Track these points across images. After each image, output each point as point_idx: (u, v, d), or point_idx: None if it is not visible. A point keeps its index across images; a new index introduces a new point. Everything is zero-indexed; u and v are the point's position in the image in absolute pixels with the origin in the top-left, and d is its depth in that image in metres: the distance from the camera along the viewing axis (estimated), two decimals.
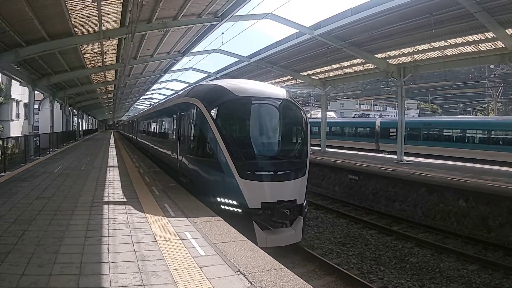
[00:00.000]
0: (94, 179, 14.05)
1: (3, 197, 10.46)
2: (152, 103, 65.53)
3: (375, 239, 13.93)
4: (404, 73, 23.11)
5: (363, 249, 12.95)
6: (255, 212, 10.12)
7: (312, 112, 66.19)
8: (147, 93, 61.11)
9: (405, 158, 24.06)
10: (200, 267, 5.69)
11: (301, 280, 5.40)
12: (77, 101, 45.20)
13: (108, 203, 10.05)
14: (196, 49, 27.43)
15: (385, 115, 68.24)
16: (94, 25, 17.56)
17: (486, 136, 29.57)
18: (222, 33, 22.44)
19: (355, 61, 24.59)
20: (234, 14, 18.55)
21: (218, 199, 10.47)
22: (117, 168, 17.66)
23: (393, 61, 22.88)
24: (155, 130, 22.49)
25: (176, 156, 14.14)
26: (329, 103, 64.20)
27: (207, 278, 5.31)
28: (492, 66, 53.65)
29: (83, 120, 65.07)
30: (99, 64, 26.66)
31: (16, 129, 38.84)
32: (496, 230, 13.87)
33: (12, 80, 32.18)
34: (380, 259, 12.05)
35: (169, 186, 12.69)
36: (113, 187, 12.53)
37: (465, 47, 18.79)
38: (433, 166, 21.26)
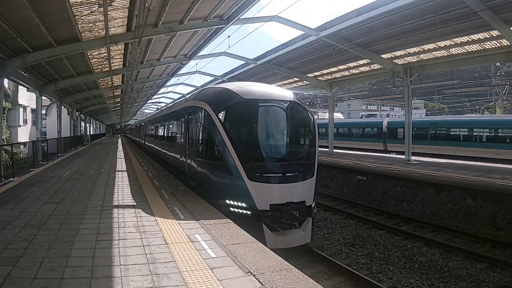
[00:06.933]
0: (103, 184, 14.13)
1: (12, 202, 10.56)
2: (159, 107, 65.60)
3: (384, 239, 13.92)
4: (410, 73, 23.07)
5: (372, 249, 12.95)
6: (264, 214, 10.14)
7: (319, 113, 66.13)
8: (154, 97, 61.22)
9: (413, 158, 23.99)
10: (211, 269, 5.72)
11: (311, 280, 5.42)
12: (84, 106, 45.36)
13: (117, 207, 10.10)
14: (202, 52, 27.53)
15: (392, 115, 67.99)
16: (101, 30, 17.63)
17: (493, 134, 29.46)
18: (228, 36, 22.40)
19: (361, 62, 24.55)
20: (240, 17, 18.57)
21: (227, 201, 10.50)
22: (126, 172, 17.74)
23: (399, 61, 22.83)
24: (163, 134, 22.56)
25: (184, 160, 14.18)
26: (336, 104, 64.15)
27: (218, 279, 5.34)
28: (498, 64, 53.28)
29: (91, 125, 65.21)
30: (106, 69, 26.75)
31: (24, 134, 38.95)
32: (504, 228, 13.82)
33: (19, 86, 32.39)
34: (389, 259, 12.05)
35: (178, 189, 12.75)
36: (123, 191, 12.60)
37: (470, 45, 18.73)
38: (441, 165, 21.20)
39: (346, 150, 37.26)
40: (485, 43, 18.09)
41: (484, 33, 17.03)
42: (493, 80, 49.21)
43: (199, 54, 27.72)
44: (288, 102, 11.85)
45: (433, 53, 20.63)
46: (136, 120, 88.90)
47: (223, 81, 31.43)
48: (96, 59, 23.98)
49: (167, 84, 44.71)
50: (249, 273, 5.57)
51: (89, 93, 37.64)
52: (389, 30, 18.26)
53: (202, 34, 22.28)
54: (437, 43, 19.04)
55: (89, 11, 15.00)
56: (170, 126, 19.78)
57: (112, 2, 14.50)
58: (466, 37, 17.80)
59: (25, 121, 41.06)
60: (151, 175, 16.71)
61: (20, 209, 9.62)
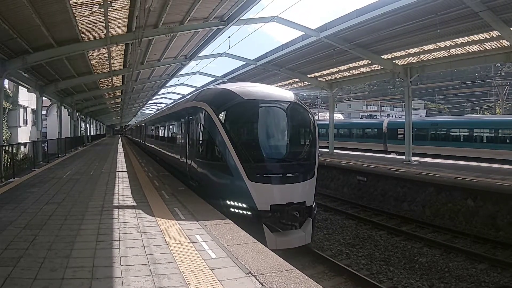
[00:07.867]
0: (103, 184, 14.14)
1: (13, 202, 10.57)
2: (160, 108, 65.57)
3: (384, 239, 13.92)
4: (410, 74, 23.06)
5: (372, 250, 12.94)
6: (264, 215, 10.14)
7: (319, 114, 66.11)
8: (155, 97, 61.14)
9: (413, 158, 23.96)
10: (211, 269, 5.72)
11: (312, 281, 5.41)
12: (84, 106, 45.32)
13: (118, 207, 10.10)
14: (202, 53, 27.50)
15: (392, 116, 67.93)
16: (101, 31, 17.63)
17: (494, 135, 29.45)
18: (229, 37, 22.37)
19: (361, 63, 24.52)
20: (240, 18, 18.52)
21: (228, 202, 10.50)
22: (126, 172, 17.75)
23: (399, 62, 22.82)
24: (163, 135, 22.58)
25: (185, 160, 14.19)
26: (336, 104, 64.10)
27: (218, 280, 5.34)
28: (498, 64, 53.35)
29: (91, 125, 65.17)
30: (106, 69, 26.76)
31: (24, 135, 39.02)
32: (504, 229, 13.80)
33: (20, 86, 32.40)
34: (390, 259, 12.04)
35: (179, 190, 12.75)
36: (123, 191, 12.60)
37: (471, 46, 18.70)
38: (441, 166, 21.15)
39: (346, 150, 37.19)
40: (485, 43, 18.07)
41: (484, 33, 17.01)
42: (493, 80, 49.30)
43: (199, 55, 27.73)
44: (289, 103, 11.85)
45: (434, 53, 20.61)
46: (136, 121, 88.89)
47: (224, 82, 31.43)
48: (96, 60, 24.00)
49: (167, 84, 44.66)
50: (249, 274, 5.56)
51: (90, 94, 37.68)
52: (390, 31, 18.26)
53: (203, 35, 22.27)
54: (438, 43, 19.01)
55: (90, 11, 15.00)
56: (171, 126, 19.79)
57: (113, 2, 14.51)
58: (466, 37, 17.78)
59: (25, 122, 41.10)
60: (152, 175, 16.72)
61: (21, 210, 9.63)
